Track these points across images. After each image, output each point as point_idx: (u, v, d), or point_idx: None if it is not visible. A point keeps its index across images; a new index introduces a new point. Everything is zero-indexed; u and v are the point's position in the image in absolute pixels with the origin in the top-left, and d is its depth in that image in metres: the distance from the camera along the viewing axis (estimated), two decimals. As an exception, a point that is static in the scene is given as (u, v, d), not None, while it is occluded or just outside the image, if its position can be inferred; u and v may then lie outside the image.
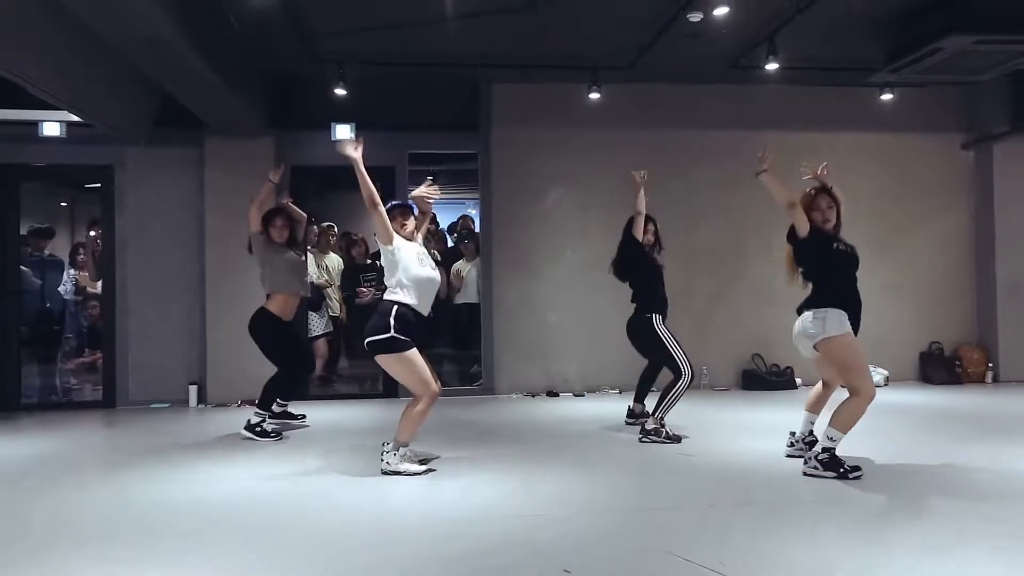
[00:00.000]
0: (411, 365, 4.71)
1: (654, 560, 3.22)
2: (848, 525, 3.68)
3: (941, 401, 7.53)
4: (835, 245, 4.75)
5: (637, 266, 6.08)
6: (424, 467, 4.80)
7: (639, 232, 6.04)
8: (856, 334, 4.65)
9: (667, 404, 5.69)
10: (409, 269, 4.74)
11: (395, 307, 4.68)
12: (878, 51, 7.24)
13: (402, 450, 4.76)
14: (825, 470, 4.49)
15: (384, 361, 4.79)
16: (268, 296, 6.26)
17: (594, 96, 8.00)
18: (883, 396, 7.77)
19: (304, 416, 6.73)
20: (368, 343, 4.72)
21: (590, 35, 7.19)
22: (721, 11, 5.84)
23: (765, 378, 8.44)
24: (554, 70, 7.98)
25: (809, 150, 6.23)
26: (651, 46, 7.32)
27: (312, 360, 7.49)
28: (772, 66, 7.14)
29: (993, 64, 6.98)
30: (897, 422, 6.35)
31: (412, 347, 4.69)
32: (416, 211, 5.16)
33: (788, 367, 8.49)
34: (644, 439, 5.65)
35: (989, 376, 8.75)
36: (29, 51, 5.49)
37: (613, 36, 7.24)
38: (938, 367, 8.75)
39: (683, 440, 5.63)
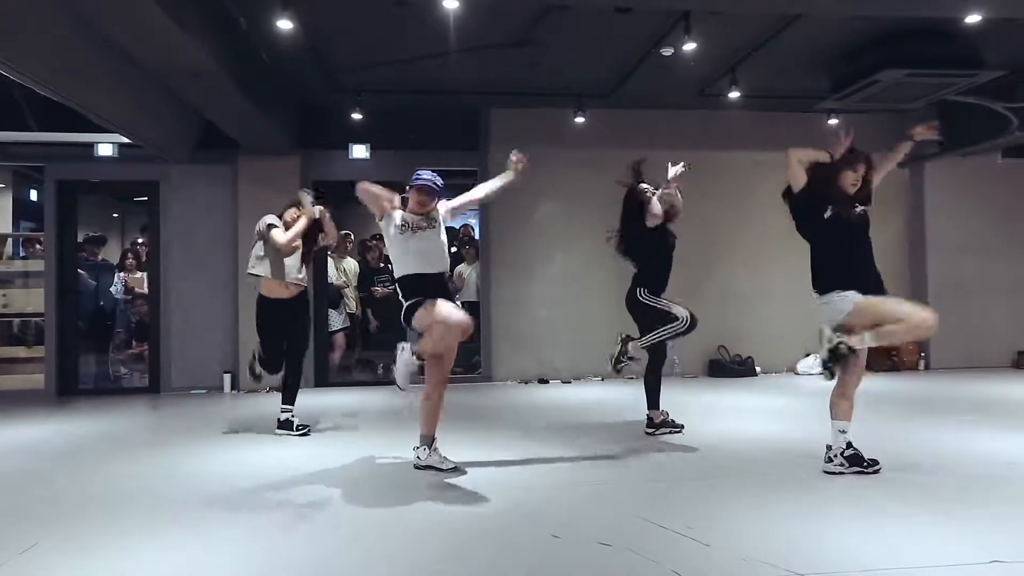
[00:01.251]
0: (431, 310, 4.04)
1: (631, 526, 3.23)
2: (797, 493, 3.70)
3: (881, 386, 7.54)
4: (829, 211, 3.85)
5: (644, 244, 5.06)
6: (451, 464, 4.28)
7: (655, 218, 4.95)
8: (880, 292, 3.97)
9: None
10: (389, 242, 4.27)
11: (397, 285, 4.27)
12: (825, 82, 7.29)
13: (433, 445, 4.30)
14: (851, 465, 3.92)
15: (417, 323, 4.14)
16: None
17: (579, 120, 8.02)
18: (829, 383, 7.85)
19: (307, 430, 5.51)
20: (403, 318, 4.22)
21: (575, 67, 7.23)
22: (689, 47, 5.89)
23: (729, 367, 8.47)
24: (544, 97, 8.02)
25: (768, 164, 6.27)
26: (629, 77, 7.37)
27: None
28: (734, 94, 7.21)
29: (922, 94, 7.09)
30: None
31: (426, 300, 4.08)
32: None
33: (749, 357, 8.53)
34: (654, 432, 5.15)
35: (922, 364, 8.82)
36: (94, 84, 5.52)
37: (596, 68, 7.27)
38: (879, 356, 8.79)
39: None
